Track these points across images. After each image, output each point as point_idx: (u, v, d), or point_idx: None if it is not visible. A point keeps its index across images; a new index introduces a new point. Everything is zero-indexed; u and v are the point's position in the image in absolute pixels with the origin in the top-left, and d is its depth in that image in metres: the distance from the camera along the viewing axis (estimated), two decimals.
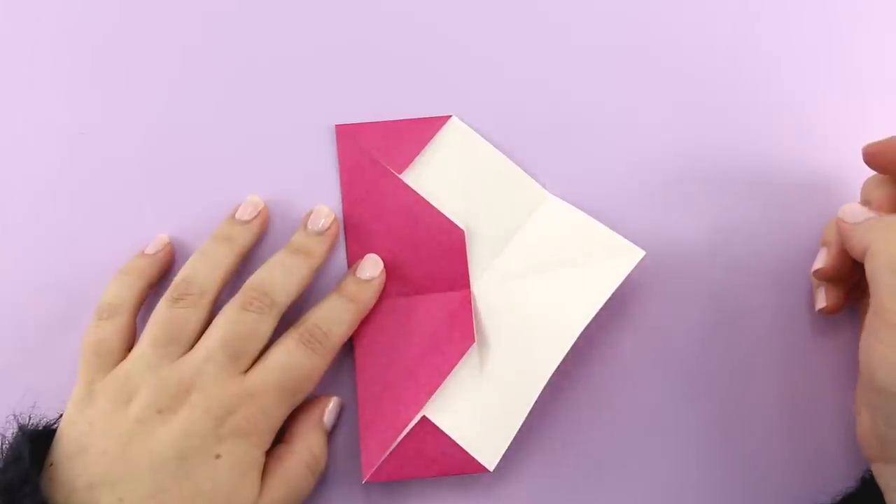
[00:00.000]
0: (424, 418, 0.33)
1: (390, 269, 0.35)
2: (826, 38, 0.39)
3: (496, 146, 0.37)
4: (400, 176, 0.36)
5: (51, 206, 0.37)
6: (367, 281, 0.35)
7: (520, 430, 0.33)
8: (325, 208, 0.36)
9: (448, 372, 0.34)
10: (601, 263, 0.34)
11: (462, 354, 0.34)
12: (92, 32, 0.39)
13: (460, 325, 0.34)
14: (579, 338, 0.33)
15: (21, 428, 0.30)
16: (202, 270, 0.34)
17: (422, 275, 0.35)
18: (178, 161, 0.38)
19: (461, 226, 0.35)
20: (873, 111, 0.38)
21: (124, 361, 0.32)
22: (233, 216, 0.36)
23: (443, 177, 0.36)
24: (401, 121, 0.37)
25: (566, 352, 0.33)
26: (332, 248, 0.36)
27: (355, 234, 0.36)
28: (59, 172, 0.37)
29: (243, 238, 0.35)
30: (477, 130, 0.37)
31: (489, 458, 0.33)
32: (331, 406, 0.35)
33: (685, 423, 0.35)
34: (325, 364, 0.33)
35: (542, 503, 0.35)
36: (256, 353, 0.32)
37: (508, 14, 0.39)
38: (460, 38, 0.39)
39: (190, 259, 0.34)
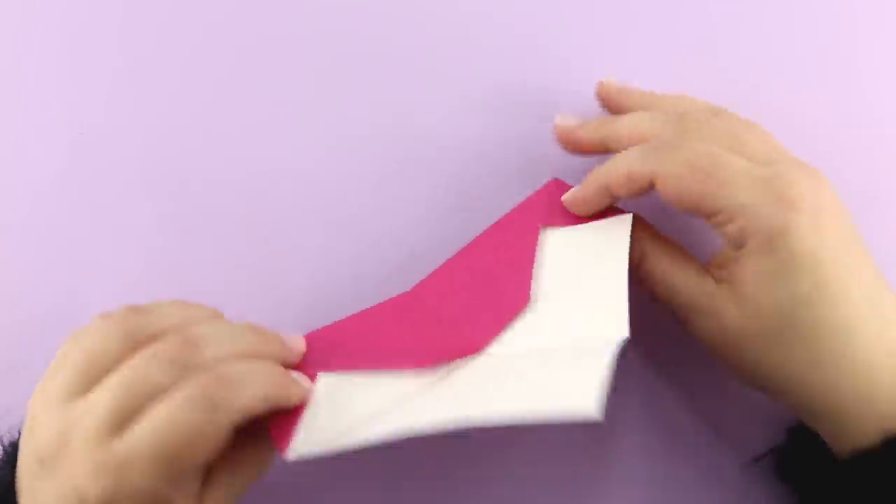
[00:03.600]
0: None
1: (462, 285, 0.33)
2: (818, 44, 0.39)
3: None
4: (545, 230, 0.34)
5: (51, 207, 0.37)
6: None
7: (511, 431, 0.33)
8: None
9: (391, 366, 0.31)
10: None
11: (415, 369, 0.31)
12: (92, 33, 0.39)
13: (438, 356, 0.32)
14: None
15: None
16: (217, 337, 0.28)
17: (465, 303, 0.33)
18: (178, 162, 0.38)
19: (531, 297, 0.32)
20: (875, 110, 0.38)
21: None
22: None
23: (565, 253, 0.33)
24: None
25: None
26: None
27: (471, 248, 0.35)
28: (60, 173, 0.37)
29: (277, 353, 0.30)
30: None
31: (299, 447, 0.28)
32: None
33: (683, 421, 0.36)
34: (223, 428, 0.26)
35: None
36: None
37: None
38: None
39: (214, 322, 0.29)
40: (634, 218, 0.32)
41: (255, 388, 0.27)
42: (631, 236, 0.31)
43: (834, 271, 0.27)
